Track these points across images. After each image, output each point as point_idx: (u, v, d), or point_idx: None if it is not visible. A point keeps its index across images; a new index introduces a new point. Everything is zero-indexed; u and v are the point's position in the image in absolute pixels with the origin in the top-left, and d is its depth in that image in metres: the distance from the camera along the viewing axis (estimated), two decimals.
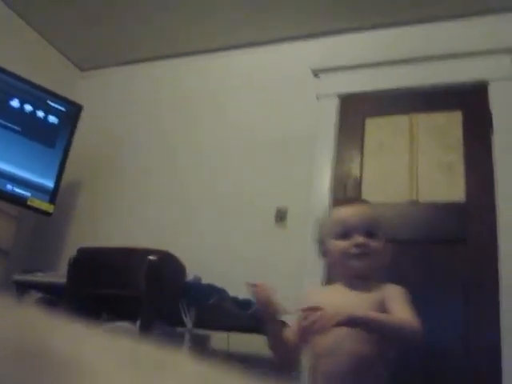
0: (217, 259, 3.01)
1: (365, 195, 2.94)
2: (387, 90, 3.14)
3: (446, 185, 2.82)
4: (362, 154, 3.06)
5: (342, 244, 1.57)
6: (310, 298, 1.64)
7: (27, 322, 0.25)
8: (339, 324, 1.35)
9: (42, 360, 0.21)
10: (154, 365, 0.22)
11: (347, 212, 1.63)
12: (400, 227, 2.78)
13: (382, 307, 1.50)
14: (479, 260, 2.60)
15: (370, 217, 1.62)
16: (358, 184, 2.98)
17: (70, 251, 2.54)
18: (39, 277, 2.91)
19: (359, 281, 1.59)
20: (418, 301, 2.59)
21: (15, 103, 3.22)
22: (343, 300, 1.55)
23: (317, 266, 2.79)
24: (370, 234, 1.57)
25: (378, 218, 1.66)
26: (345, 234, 1.57)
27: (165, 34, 3.67)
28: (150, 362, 0.22)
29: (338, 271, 1.67)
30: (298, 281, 2.80)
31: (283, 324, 1.59)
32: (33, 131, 3.27)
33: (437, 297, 2.60)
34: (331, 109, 3.20)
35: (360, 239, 1.55)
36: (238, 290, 2.44)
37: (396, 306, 1.49)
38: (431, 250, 2.72)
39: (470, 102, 2.96)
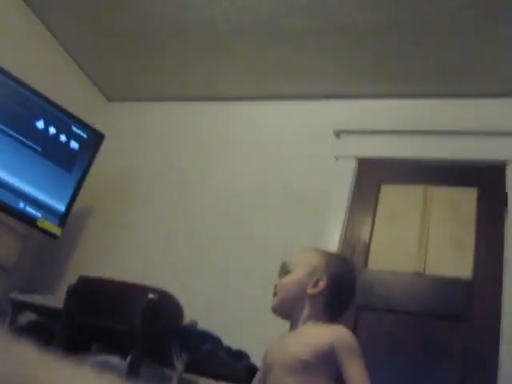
0: (216, 305, 2.98)
1: (372, 261, 2.93)
2: (405, 159, 3.17)
3: (454, 260, 2.80)
4: (373, 219, 3.05)
5: None
6: (268, 349, 1.65)
7: (17, 357, 0.25)
8: None
9: None
10: None
11: None
12: (403, 297, 2.76)
13: (328, 355, 1.45)
14: (481, 339, 2.55)
15: (290, 258, 1.69)
16: (366, 248, 2.97)
17: (70, 277, 2.54)
18: (36, 299, 2.90)
19: (295, 322, 1.59)
20: (415, 374, 2.56)
21: (40, 124, 3.27)
22: (285, 348, 1.54)
23: None
24: (285, 272, 1.64)
25: (300, 255, 1.71)
26: None
27: (194, 77, 3.74)
28: None
29: None
30: None
31: None
32: (53, 153, 3.32)
33: (434, 373, 2.54)
34: (348, 170, 3.22)
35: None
36: (233, 340, 2.42)
37: (352, 370, 1.43)
38: (432, 325, 2.68)
39: (486, 180, 2.97)
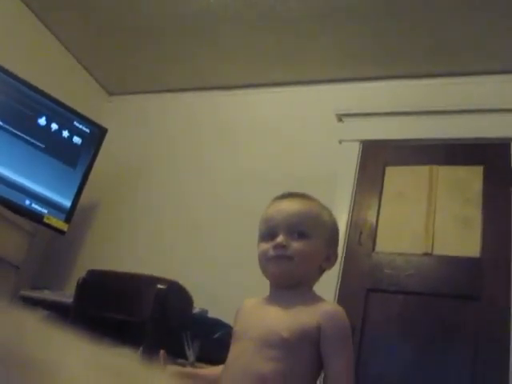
0: (225, 294, 2.98)
1: (379, 243, 2.92)
2: (410, 140, 3.15)
3: (461, 239, 2.79)
4: (379, 201, 3.04)
5: (264, 246, 1.34)
6: (241, 313, 1.46)
7: (16, 326, 0.25)
8: None
9: (26, 367, 0.20)
10: (135, 381, 0.21)
11: (274, 208, 1.41)
12: (412, 278, 2.75)
13: (310, 336, 1.24)
14: (491, 318, 2.55)
15: (298, 213, 1.35)
16: (374, 231, 2.96)
17: (79, 272, 2.54)
18: (46, 294, 2.91)
19: (287, 291, 1.35)
20: (426, 354, 2.55)
21: (42, 121, 3.27)
22: (265, 320, 1.32)
23: None
24: (299, 233, 1.31)
25: (312, 214, 1.37)
26: (270, 235, 1.34)
27: (194, 68, 3.73)
28: (133, 379, 0.22)
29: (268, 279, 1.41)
30: None
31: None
32: (56, 150, 3.32)
33: (446, 352, 2.54)
34: (352, 154, 3.20)
35: (279, 239, 1.30)
36: None
37: (334, 361, 1.23)
38: (442, 304, 2.67)
39: (492, 158, 2.95)
